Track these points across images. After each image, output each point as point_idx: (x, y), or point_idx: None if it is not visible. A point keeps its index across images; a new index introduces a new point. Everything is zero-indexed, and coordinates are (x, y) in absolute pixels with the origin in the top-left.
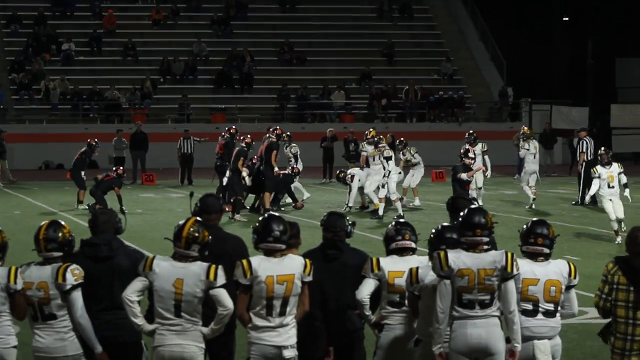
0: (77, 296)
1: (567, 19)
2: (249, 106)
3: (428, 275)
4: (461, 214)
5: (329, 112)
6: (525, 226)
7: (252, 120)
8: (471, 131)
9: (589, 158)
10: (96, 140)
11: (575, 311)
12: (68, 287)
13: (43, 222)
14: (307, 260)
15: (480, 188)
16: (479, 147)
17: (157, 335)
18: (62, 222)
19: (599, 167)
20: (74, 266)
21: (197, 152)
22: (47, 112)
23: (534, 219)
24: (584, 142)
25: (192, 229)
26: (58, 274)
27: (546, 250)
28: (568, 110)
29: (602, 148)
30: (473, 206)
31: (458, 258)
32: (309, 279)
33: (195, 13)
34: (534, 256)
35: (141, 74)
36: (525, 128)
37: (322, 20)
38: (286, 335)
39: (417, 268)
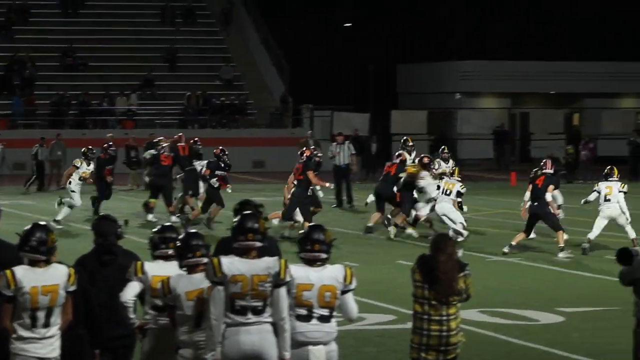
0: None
1: (349, 25)
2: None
3: (179, 284)
4: (234, 219)
5: (111, 118)
6: (302, 232)
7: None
8: (404, 138)
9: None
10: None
11: (352, 316)
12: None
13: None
14: (72, 269)
15: None
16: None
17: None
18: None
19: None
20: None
21: None
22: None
23: (312, 224)
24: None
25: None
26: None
27: (323, 256)
28: (349, 116)
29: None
30: (248, 212)
31: (232, 264)
32: (73, 288)
33: None
34: (311, 262)
35: None
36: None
37: (105, 25)
38: (50, 347)
39: (169, 278)
